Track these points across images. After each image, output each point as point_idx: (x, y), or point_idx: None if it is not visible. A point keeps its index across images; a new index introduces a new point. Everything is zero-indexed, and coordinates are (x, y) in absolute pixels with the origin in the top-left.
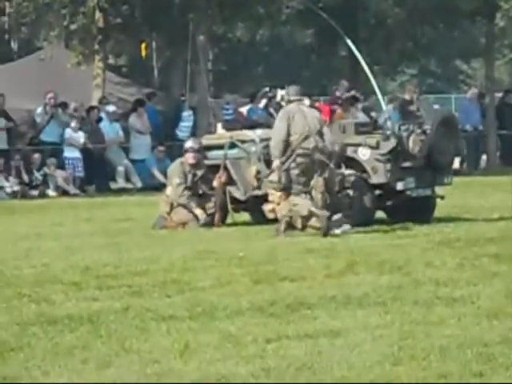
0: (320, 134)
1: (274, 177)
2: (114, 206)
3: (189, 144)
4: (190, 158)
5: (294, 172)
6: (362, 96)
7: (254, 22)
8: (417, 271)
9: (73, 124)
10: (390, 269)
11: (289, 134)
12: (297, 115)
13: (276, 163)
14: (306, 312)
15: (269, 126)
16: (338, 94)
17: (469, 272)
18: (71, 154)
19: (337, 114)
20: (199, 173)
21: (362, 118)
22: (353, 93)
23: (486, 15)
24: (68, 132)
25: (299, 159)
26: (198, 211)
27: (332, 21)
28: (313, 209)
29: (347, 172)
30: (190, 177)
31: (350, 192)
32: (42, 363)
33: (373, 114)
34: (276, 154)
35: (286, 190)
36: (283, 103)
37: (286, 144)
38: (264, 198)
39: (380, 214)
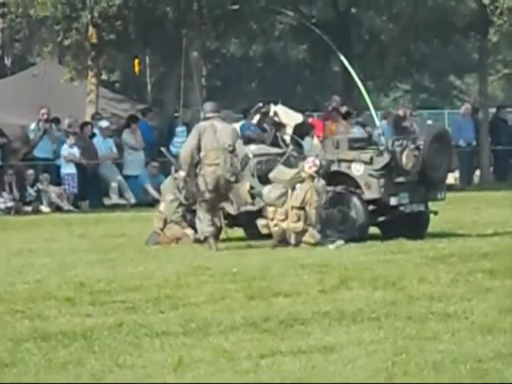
0: (232, 149)
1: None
2: (108, 222)
3: None
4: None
5: (201, 187)
6: (356, 111)
7: (247, 37)
8: (410, 287)
9: (68, 140)
10: (383, 284)
11: (199, 150)
12: (207, 131)
13: (181, 174)
14: (300, 327)
15: (262, 141)
16: (330, 109)
17: (463, 287)
18: (69, 169)
19: (327, 128)
20: None
21: (357, 132)
22: (345, 108)
23: (479, 31)
24: (65, 148)
25: (207, 178)
26: (189, 231)
27: (325, 36)
28: (209, 236)
29: (339, 188)
30: (183, 193)
31: (343, 208)
32: (36, 378)
33: (367, 129)
34: (183, 167)
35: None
36: (276, 118)
37: (197, 159)
38: (257, 213)
39: (373, 230)
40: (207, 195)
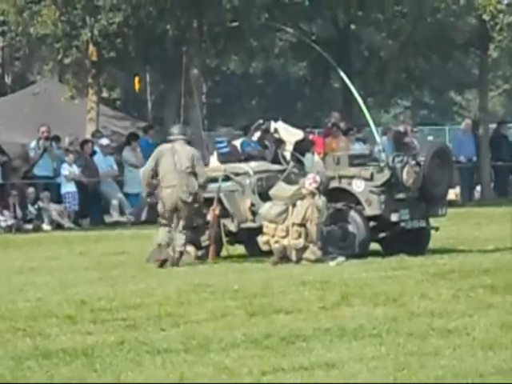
0: (190, 171)
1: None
2: (108, 240)
3: None
4: None
5: (159, 207)
6: (356, 128)
7: (247, 54)
8: (411, 303)
9: (68, 158)
10: (384, 301)
11: (157, 171)
12: (165, 154)
13: (143, 195)
14: (301, 344)
15: (263, 158)
16: (330, 125)
17: (464, 303)
18: (70, 188)
19: (327, 144)
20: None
21: (358, 148)
22: (344, 124)
23: (479, 46)
24: (65, 167)
25: (165, 200)
26: (190, 248)
27: (325, 53)
28: (162, 243)
29: (340, 204)
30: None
31: (344, 224)
32: None
33: (367, 145)
34: (143, 187)
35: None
36: (276, 135)
37: (156, 180)
38: (258, 230)
39: (374, 246)
40: (165, 214)
